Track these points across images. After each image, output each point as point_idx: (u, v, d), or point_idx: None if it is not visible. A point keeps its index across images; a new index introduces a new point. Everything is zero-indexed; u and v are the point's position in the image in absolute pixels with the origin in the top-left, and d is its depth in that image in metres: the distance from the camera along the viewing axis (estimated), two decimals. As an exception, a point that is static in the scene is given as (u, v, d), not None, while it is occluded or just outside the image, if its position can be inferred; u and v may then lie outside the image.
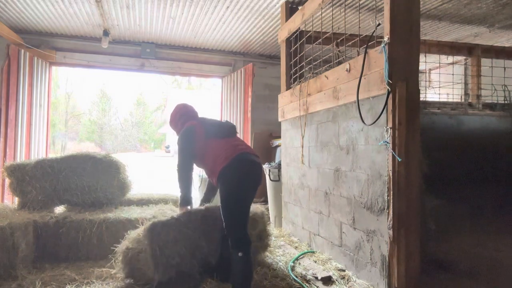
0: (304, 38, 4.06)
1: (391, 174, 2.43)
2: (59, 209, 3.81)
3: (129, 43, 6.26)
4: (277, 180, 4.72)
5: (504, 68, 4.19)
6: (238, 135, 2.89)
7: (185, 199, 2.66)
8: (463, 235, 3.23)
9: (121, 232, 3.30)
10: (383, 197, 2.53)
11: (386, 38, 2.45)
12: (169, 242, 2.51)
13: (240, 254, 2.32)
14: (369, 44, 2.67)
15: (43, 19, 5.21)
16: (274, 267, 3.07)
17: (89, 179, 3.63)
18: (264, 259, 3.28)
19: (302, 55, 4.16)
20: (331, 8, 3.53)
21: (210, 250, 2.69)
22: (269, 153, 6.30)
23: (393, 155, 2.40)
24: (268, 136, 6.50)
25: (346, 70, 2.99)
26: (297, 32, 4.18)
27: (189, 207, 2.68)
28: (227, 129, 2.78)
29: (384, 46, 2.45)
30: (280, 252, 3.54)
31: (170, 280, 2.50)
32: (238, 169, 2.48)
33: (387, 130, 2.46)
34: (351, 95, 2.89)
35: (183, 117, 2.93)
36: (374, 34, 2.61)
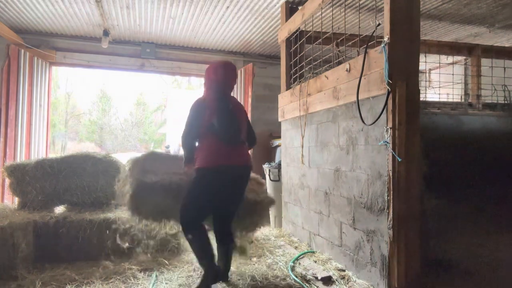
0: (304, 38, 4.06)
1: (391, 174, 2.43)
2: (59, 209, 3.81)
3: (129, 43, 6.26)
4: (277, 180, 4.72)
5: (504, 68, 4.19)
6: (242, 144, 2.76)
7: (189, 158, 2.68)
8: (463, 235, 3.23)
9: (121, 232, 3.31)
10: (383, 197, 2.53)
11: (386, 38, 2.45)
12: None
13: (189, 236, 2.56)
14: (369, 44, 2.67)
15: (43, 19, 5.20)
16: (274, 267, 3.08)
17: (89, 179, 3.64)
18: (264, 259, 3.28)
19: (302, 55, 4.16)
20: (331, 8, 3.52)
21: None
22: (269, 153, 6.30)
23: (393, 155, 2.40)
24: (268, 136, 6.50)
25: (346, 70, 2.99)
26: (297, 32, 4.18)
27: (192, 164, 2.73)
28: (230, 137, 2.63)
29: (384, 46, 2.45)
30: (280, 252, 3.54)
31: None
32: (208, 179, 2.57)
33: (387, 130, 2.46)
34: (351, 95, 2.89)
35: (212, 80, 2.69)
36: (374, 34, 2.62)
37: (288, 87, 4.48)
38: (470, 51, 4.36)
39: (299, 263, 3.23)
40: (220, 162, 2.57)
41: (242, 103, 6.38)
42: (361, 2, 4.33)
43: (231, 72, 2.76)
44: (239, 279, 2.76)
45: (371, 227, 2.70)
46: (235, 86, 6.53)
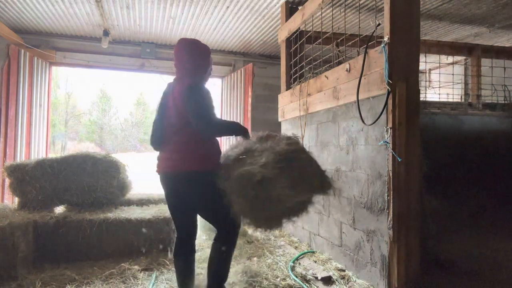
0: (304, 38, 4.06)
1: (391, 174, 2.43)
2: (59, 209, 3.81)
3: (129, 43, 6.26)
4: (277, 180, 4.71)
5: (504, 68, 4.19)
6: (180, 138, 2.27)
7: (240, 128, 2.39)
8: (463, 235, 3.23)
9: (121, 232, 3.31)
10: (383, 197, 2.52)
11: (386, 38, 2.45)
12: None
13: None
14: (369, 44, 2.67)
15: (43, 19, 5.20)
16: (274, 267, 3.08)
17: (89, 179, 3.64)
18: (264, 259, 3.28)
19: (302, 55, 4.16)
20: (331, 8, 3.53)
21: None
22: (269, 153, 6.29)
23: (393, 155, 2.40)
24: (268, 136, 6.49)
25: (346, 70, 2.99)
26: (297, 32, 4.18)
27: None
28: (158, 138, 2.35)
29: (384, 46, 2.45)
30: (280, 252, 3.54)
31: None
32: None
33: (387, 130, 2.46)
34: (351, 95, 2.89)
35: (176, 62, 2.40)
36: (374, 34, 2.61)
37: (288, 87, 4.48)
38: (470, 51, 4.37)
39: (299, 263, 3.23)
40: (157, 169, 2.39)
41: (242, 103, 6.40)
42: (361, 2, 4.33)
43: (176, 49, 2.40)
44: (238, 279, 2.76)
45: (371, 227, 2.70)
46: (234, 87, 6.57)
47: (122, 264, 3.03)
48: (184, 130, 2.25)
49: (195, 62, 2.38)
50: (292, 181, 2.04)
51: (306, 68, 4.00)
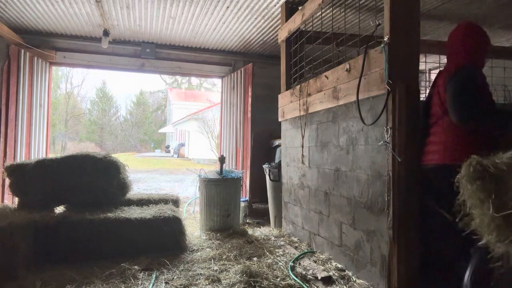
0: (304, 38, 4.06)
1: (391, 174, 2.43)
2: (59, 209, 3.81)
3: (129, 43, 6.26)
4: (277, 180, 4.72)
5: (504, 68, 4.19)
6: None
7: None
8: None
9: (121, 232, 3.31)
10: (383, 197, 2.53)
11: (386, 38, 2.45)
12: None
13: None
14: (369, 44, 2.67)
15: (43, 19, 5.21)
16: (274, 267, 3.08)
17: (89, 179, 3.63)
18: (264, 259, 3.28)
19: (302, 55, 4.16)
20: (331, 8, 3.53)
21: None
22: (269, 153, 6.29)
23: (393, 155, 2.40)
24: (268, 136, 6.49)
25: (346, 70, 2.99)
26: (297, 32, 4.18)
27: None
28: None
29: (384, 46, 2.45)
30: (280, 252, 3.54)
31: None
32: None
33: (387, 130, 2.46)
34: (351, 95, 2.89)
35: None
36: (374, 34, 2.62)
37: (288, 87, 4.48)
38: (470, 51, 4.34)
39: (299, 263, 3.23)
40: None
41: (242, 103, 6.40)
42: (361, 2, 4.33)
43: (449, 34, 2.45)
44: (238, 279, 2.76)
45: (371, 227, 2.70)
46: (234, 87, 6.57)
47: (122, 264, 3.03)
48: (441, 120, 2.18)
49: (462, 42, 2.24)
50: None
51: (306, 68, 4.00)
